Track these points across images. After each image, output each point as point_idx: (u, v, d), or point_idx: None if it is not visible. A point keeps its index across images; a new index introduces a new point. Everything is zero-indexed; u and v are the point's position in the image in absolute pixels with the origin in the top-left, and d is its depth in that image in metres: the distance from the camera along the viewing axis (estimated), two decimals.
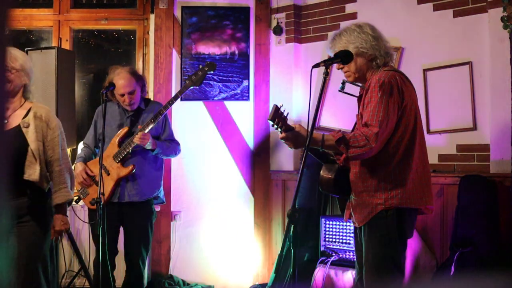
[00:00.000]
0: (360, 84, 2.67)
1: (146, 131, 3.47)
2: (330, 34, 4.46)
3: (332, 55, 2.54)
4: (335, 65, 2.58)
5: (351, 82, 2.68)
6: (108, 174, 3.55)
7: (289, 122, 2.49)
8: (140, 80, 3.65)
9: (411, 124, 2.48)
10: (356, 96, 2.69)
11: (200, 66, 3.72)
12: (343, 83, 2.70)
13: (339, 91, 2.74)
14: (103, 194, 3.45)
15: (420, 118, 2.57)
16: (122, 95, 3.55)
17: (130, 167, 3.52)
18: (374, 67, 2.56)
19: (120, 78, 3.54)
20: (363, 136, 2.35)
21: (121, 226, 3.67)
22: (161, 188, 3.74)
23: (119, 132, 3.60)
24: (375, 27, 2.61)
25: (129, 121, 3.64)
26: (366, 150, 2.35)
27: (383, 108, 2.38)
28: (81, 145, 3.87)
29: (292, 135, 2.45)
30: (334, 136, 2.39)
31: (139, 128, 3.50)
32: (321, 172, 2.68)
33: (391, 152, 2.45)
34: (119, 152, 3.54)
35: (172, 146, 3.68)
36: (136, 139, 3.45)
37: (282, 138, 2.48)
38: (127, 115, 3.66)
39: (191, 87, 3.69)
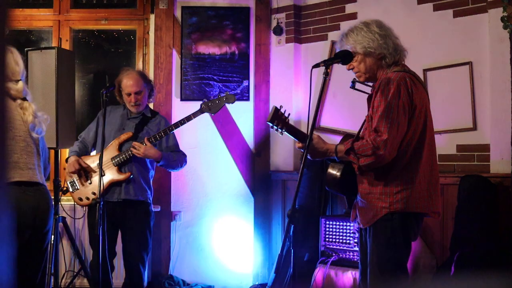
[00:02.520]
0: (370, 84, 2.63)
1: (146, 143, 3.46)
2: (331, 35, 4.49)
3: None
4: (337, 66, 2.57)
5: (362, 82, 2.64)
6: (103, 175, 3.54)
7: (289, 122, 2.49)
8: (148, 83, 3.66)
9: (420, 127, 2.44)
10: (368, 93, 2.63)
11: (219, 95, 3.63)
12: (353, 81, 2.66)
13: (350, 87, 2.70)
14: (94, 193, 3.49)
15: (430, 121, 2.52)
16: (129, 94, 3.56)
17: (127, 174, 3.51)
18: (384, 65, 2.50)
19: (128, 78, 3.56)
20: (371, 144, 2.32)
21: (118, 228, 3.66)
22: (151, 192, 3.74)
23: (121, 135, 3.58)
24: (383, 24, 2.54)
25: (131, 125, 3.64)
26: (375, 158, 2.32)
27: (392, 113, 2.33)
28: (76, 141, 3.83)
29: (311, 146, 2.43)
30: (345, 146, 2.40)
31: (144, 140, 3.49)
32: (328, 169, 2.65)
33: (400, 155, 2.40)
34: (117, 156, 3.53)
35: (178, 158, 3.66)
36: (133, 150, 3.46)
37: (299, 147, 2.54)
38: (128, 117, 3.65)
39: (207, 113, 3.63)
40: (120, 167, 3.54)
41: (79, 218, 4.24)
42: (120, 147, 3.57)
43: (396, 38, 2.53)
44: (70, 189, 3.62)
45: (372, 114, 2.44)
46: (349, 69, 2.58)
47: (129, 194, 3.54)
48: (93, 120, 3.77)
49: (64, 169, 4.59)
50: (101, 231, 3.13)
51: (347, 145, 2.38)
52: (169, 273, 4.61)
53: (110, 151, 3.56)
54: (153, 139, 3.49)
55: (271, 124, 2.41)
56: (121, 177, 3.51)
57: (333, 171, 2.63)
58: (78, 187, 3.59)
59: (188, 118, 3.57)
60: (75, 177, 3.61)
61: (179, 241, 4.67)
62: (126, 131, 3.61)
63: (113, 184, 3.53)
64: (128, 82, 3.55)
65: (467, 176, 3.55)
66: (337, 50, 2.59)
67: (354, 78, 2.63)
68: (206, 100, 3.67)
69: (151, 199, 3.68)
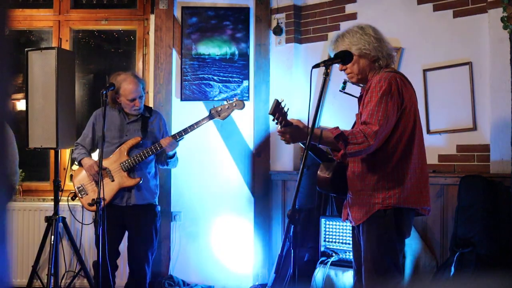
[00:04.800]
0: (361, 85, 2.69)
1: (177, 140, 3.58)
2: (331, 35, 4.49)
3: (333, 56, 2.55)
4: (336, 66, 2.60)
5: (353, 83, 2.70)
6: (112, 180, 3.54)
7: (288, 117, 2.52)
8: (143, 84, 3.68)
9: (410, 126, 2.50)
10: (356, 97, 2.70)
11: (227, 101, 3.68)
12: (344, 83, 2.73)
13: (340, 91, 2.77)
14: (104, 199, 3.45)
15: (419, 120, 2.59)
16: (133, 99, 3.55)
17: (137, 179, 3.53)
18: (376, 68, 2.58)
19: (129, 83, 3.54)
20: (361, 133, 2.37)
21: (125, 229, 3.66)
22: (158, 193, 3.76)
23: (129, 140, 3.58)
24: (377, 29, 2.63)
25: (133, 129, 3.64)
26: (364, 147, 2.36)
27: (383, 108, 2.39)
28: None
29: (291, 129, 2.46)
30: (333, 132, 2.41)
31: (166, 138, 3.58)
32: (318, 171, 2.69)
33: (390, 152, 2.47)
34: (127, 162, 3.53)
35: (176, 156, 3.78)
36: (164, 143, 3.52)
37: (280, 132, 2.49)
38: (127, 120, 3.65)
39: (216, 118, 3.69)
40: (129, 172, 3.54)
41: (88, 224, 4.19)
42: (129, 152, 3.57)
43: (388, 43, 2.62)
44: (79, 195, 3.61)
45: (362, 111, 2.50)
46: (341, 70, 2.63)
47: (140, 199, 3.57)
48: (87, 125, 3.76)
49: (64, 169, 4.60)
50: (101, 231, 3.13)
51: (337, 131, 2.39)
52: (169, 273, 4.61)
53: (119, 156, 3.56)
54: (179, 135, 3.61)
55: (272, 117, 2.44)
56: (132, 182, 3.52)
57: (324, 173, 2.68)
58: (87, 193, 3.59)
59: (197, 124, 3.63)
60: (84, 183, 3.61)
61: (179, 241, 4.67)
62: (129, 136, 3.61)
63: (122, 189, 3.54)
64: (131, 88, 3.54)
65: (467, 176, 3.55)
66: (329, 52, 2.64)
67: (345, 79, 2.69)
68: (215, 106, 3.69)
69: (157, 201, 3.71)
